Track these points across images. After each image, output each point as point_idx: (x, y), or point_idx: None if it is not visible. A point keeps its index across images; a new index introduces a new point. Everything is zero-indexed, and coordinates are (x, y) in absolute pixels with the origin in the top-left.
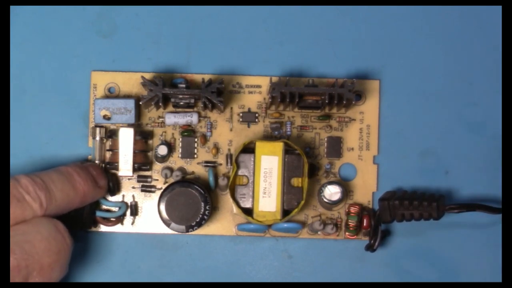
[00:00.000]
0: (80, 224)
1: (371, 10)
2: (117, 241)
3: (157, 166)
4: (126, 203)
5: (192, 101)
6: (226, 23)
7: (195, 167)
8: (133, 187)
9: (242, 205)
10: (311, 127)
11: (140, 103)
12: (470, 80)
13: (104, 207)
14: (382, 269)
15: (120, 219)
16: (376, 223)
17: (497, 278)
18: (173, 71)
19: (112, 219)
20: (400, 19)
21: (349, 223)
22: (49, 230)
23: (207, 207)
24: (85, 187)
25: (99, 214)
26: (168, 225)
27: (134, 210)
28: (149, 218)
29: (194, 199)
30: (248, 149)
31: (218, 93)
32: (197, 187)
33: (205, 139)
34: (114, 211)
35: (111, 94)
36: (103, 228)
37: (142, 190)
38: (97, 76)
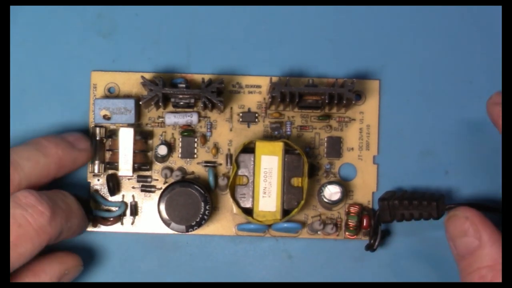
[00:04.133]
0: None
1: (371, 10)
2: (117, 241)
3: (157, 166)
4: (126, 203)
5: (192, 101)
6: (226, 23)
7: (195, 167)
8: (133, 187)
9: (242, 205)
10: (311, 127)
11: (140, 103)
12: (470, 79)
13: (104, 207)
14: (382, 269)
15: (119, 218)
16: (376, 223)
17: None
18: (173, 71)
19: (110, 218)
20: (400, 19)
21: (349, 223)
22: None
23: (207, 207)
24: (58, 151)
25: (97, 213)
26: (168, 225)
27: (134, 210)
28: (149, 218)
29: (194, 199)
30: (248, 149)
31: (218, 93)
32: (197, 187)
33: (205, 139)
34: (113, 211)
35: (111, 94)
36: (103, 228)
37: (142, 190)
38: (97, 76)
